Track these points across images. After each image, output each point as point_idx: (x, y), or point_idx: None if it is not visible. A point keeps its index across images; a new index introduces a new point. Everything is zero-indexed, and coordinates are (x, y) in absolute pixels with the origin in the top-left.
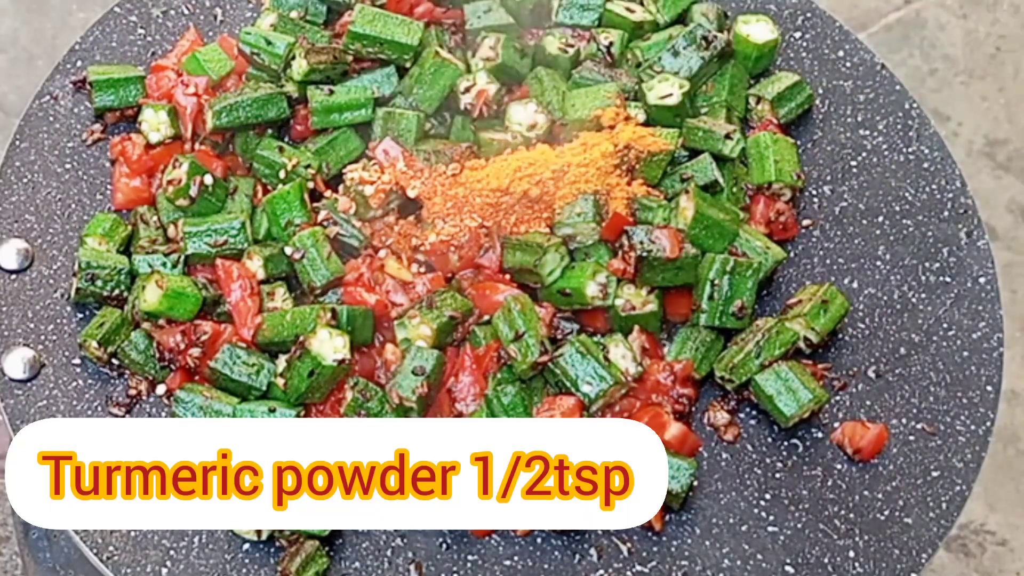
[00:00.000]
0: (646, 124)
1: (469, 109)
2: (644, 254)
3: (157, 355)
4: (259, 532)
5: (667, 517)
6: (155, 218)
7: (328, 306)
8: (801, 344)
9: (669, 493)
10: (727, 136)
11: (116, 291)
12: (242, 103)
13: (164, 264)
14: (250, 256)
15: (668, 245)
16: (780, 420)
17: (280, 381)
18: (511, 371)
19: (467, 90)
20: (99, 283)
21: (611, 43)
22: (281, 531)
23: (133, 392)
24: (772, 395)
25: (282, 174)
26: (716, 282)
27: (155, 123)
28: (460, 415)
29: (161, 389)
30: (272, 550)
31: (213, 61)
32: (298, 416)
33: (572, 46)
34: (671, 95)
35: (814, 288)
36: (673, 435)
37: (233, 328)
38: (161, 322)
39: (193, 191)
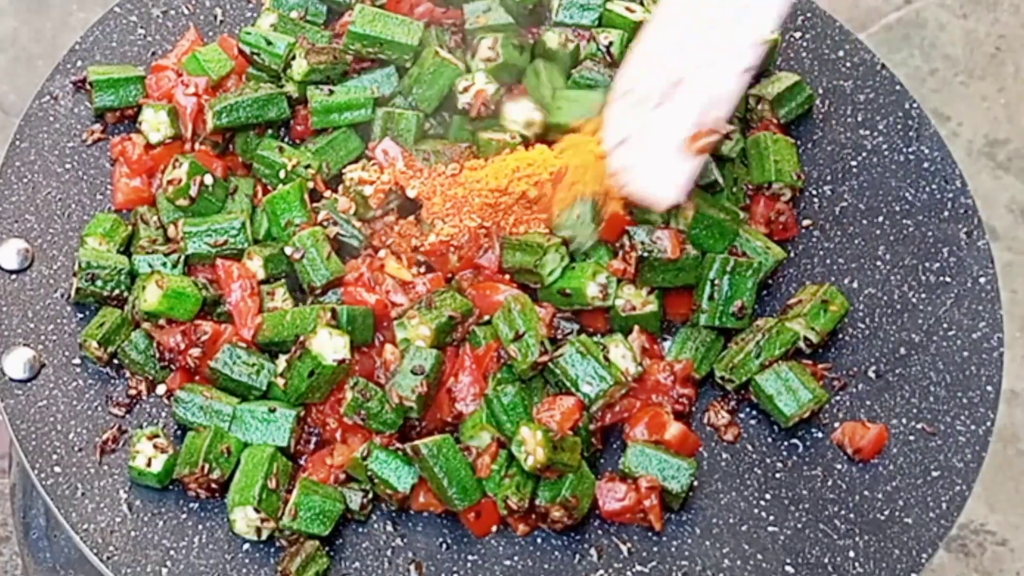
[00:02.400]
0: None
1: (467, 109)
2: (645, 254)
3: (157, 355)
4: (259, 532)
5: (667, 517)
6: (155, 218)
7: (328, 306)
8: (801, 344)
9: (669, 493)
10: (727, 136)
11: (116, 291)
12: (242, 103)
13: (164, 264)
14: (250, 256)
15: (669, 246)
16: (780, 420)
17: (280, 381)
18: (511, 371)
19: (465, 90)
20: (99, 283)
21: (611, 43)
22: (281, 531)
23: (133, 392)
24: (772, 395)
25: (282, 174)
26: (716, 282)
27: (155, 123)
28: (460, 415)
29: (161, 389)
30: (272, 550)
31: (213, 61)
32: (298, 416)
33: (572, 41)
34: None
35: (814, 288)
36: (673, 435)
37: (233, 328)
38: (161, 322)
39: (193, 191)
